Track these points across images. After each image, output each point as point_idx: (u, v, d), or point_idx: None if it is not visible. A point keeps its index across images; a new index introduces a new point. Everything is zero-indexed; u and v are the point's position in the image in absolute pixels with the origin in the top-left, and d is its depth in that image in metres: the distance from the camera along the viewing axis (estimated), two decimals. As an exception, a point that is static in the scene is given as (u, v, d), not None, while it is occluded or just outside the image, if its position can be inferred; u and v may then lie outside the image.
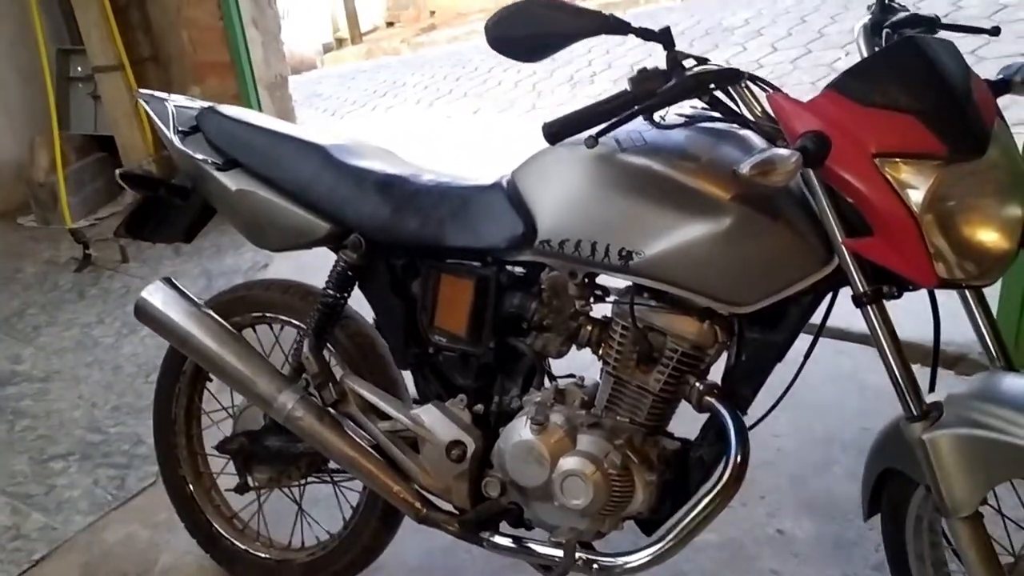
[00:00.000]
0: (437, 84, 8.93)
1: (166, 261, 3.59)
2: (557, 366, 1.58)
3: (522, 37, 1.23)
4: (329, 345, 1.71)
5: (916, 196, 1.12)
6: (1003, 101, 1.28)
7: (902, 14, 1.43)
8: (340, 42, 16.87)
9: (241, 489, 1.81)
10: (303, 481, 1.83)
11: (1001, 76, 1.29)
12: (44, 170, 3.90)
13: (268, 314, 1.79)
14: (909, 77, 1.16)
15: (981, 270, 1.17)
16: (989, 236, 1.15)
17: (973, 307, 1.32)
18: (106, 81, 3.64)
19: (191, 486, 1.93)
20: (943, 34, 1.40)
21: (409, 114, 8.10)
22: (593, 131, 1.24)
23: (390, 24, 17.58)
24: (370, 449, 1.59)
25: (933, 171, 1.12)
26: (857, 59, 1.31)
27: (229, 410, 1.88)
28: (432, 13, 16.61)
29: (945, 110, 1.13)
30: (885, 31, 1.40)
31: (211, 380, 1.90)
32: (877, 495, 1.41)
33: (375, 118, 8.38)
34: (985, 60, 5.05)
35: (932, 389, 1.32)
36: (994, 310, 2.22)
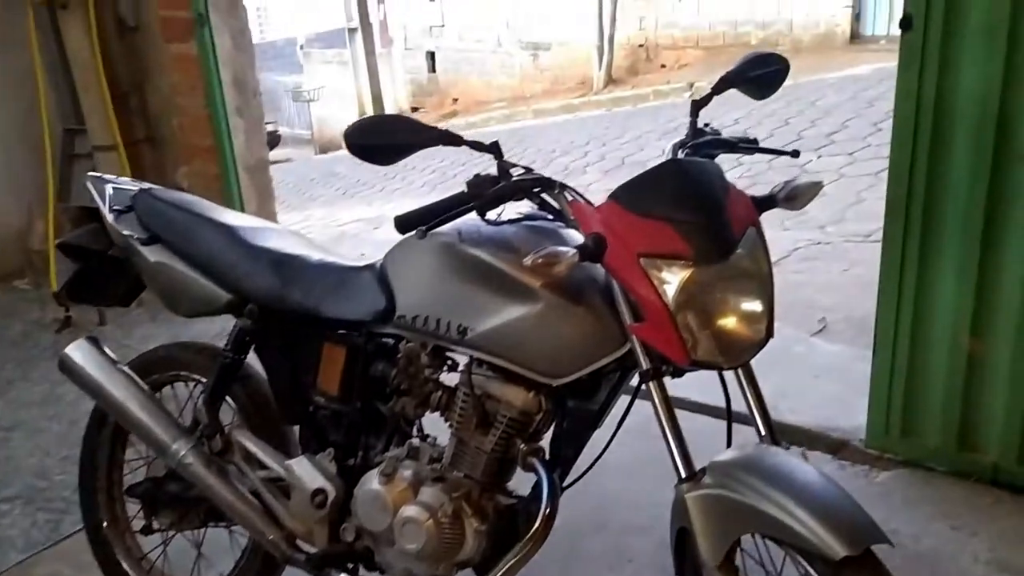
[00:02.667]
0: (445, 169, 9.32)
1: (142, 325, 3.86)
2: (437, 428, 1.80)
3: (376, 146, 1.49)
4: (230, 400, 1.94)
5: (670, 291, 1.35)
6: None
7: (708, 137, 1.68)
8: (365, 125, 17.51)
9: (146, 531, 2.03)
10: (203, 526, 2.03)
11: (769, 192, 1.53)
12: (40, 237, 4.22)
13: (182, 372, 2.03)
14: (667, 192, 1.40)
15: (728, 356, 1.39)
16: (733, 327, 1.37)
17: (744, 385, 1.53)
18: (103, 159, 3.99)
19: (107, 529, 2.14)
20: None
21: (413, 197, 8.45)
22: (423, 227, 1.49)
23: (414, 109, 18.24)
24: (249, 495, 1.81)
25: (683, 271, 1.35)
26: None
27: (145, 459, 2.10)
28: (455, 100, 17.26)
29: (695, 220, 1.37)
30: (686, 151, 1.65)
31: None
32: (681, 553, 1.60)
33: (380, 200, 8.74)
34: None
35: (728, 446, 1.52)
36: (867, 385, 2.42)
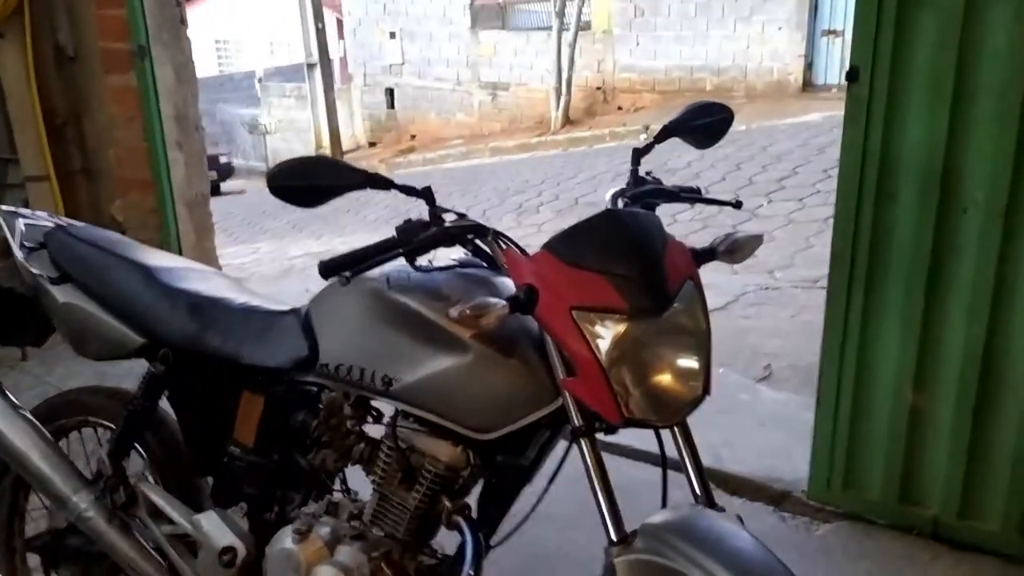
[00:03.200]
0: (397, 205, 9.26)
1: (61, 363, 3.67)
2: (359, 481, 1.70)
3: (299, 187, 1.40)
4: (141, 449, 1.82)
5: (604, 345, 1.28)
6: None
7: (649, 186, 1.63)
8: (321, 158, 17.47)
9: (47, 586, 1.89)
10: (107, 580, 1.90)
11: (710, 245, 1.48)
12: (-31, 268, 4.07)
13: (91, 418, 1.91)
14: (602, 243, 1.34)
15: (663, 413, 1.32)
16: (668, 383, 1.31)
17: (680, 444, 1.46)
18: (35, 190, 3.86)
19: (6, 581, 2.01)
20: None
21: (364, 231, 8.37)
22: (347, 272, 1.42)
23: (372, 144, 18.24)
24: (153, 552, 1.69)
25: (616, 325, 1.28)
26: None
27: (48, 509, 1.96)
28: (412, 136, 17.29)
29: (630, 273, 1.30)
30: (625, 200, 1.60)
31: (37, 479, 2.00)
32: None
33: (330, 233, 8.64)
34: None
35: (663, 506, 1.45)
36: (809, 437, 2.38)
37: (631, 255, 1.33)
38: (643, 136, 12.10)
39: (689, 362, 1.32)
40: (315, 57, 18.11)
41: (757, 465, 2.67)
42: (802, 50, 12.84)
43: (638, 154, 1.65)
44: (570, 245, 1.35)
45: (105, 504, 1.72)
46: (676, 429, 1.45)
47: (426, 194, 1.44)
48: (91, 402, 1.92)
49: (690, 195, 1.65)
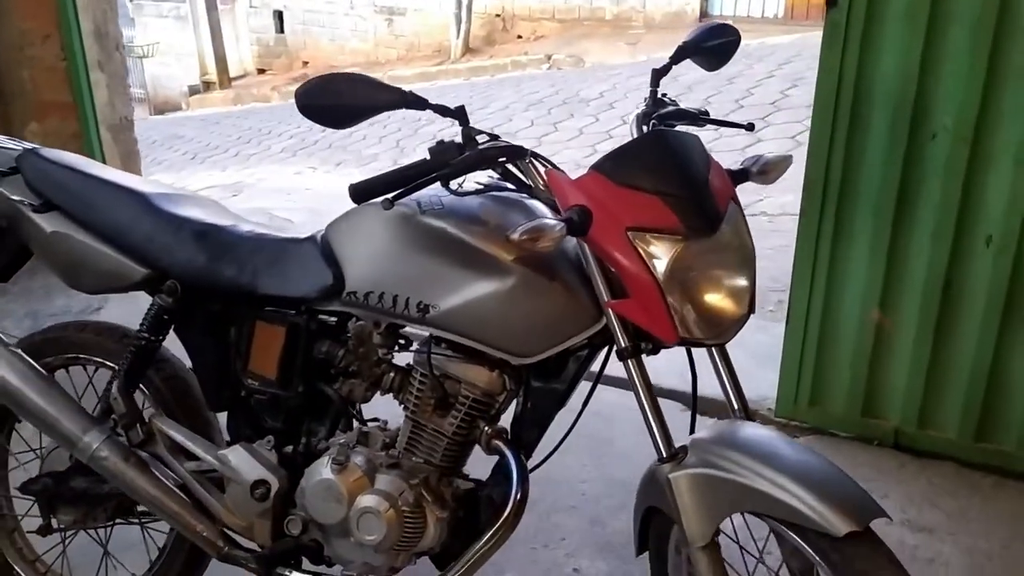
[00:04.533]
0: (303, 135, 8.95)
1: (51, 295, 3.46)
2: (369, 410, 1.69)
3: (328, 106, 1.35)
4: (143, 387, 1.75)
5: (660, 266, 1.30)
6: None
7: (670, 107, 1.64)
8: (208, 85, 16.60)
9: (44, 531, 1.80)
10: (110, 523, 1.84)
11: (741, 166, 1.51)
12: None
13: (81, 355, 1.81)
14: (655, 164, 1.35)
15: (716, 331, 1.36)
16: (721, 302, 1.34)
17: (718, 363, 1.51)
18: (-64, 114, 3.55)
19: (-6, 528, 1.91)
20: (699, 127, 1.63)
21: (272, 162, 8.08)
22: (390, 195, 1.38)
23: (261, 71, 17.44)
24: (175, 489, 1.64)
25: (674, 245, 1.30)
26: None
27: (37, 452, 1.87)
28: (305, 63, 16.62)
29: (684, 194, 1.32)
30: (652, 121, 1.61)
31: (20, 421, 1.89)
32: (645, 532, 1.57)
33: (235, 165, 8.31)
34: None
35: (692, 432, 1.50)
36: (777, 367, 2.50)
37: (683, 176, 1.35)
38: (545, 66, 12.06)
39: (740, 280, 1.36)
40: (196, -26, 17.04)
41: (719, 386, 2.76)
42: (699, -20, 12.95)
43: (657, 75, 1.67)
44: (621, 166, 1.36)
45: (119, 443, 1.64)
46: (715, 349, 1.50)
47: (460, 114, 1.42)
48: (80, 339, 1.81)
49: (706, 118, 1.68)
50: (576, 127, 7.29)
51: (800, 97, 6.74)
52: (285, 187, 6.56)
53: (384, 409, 1.66)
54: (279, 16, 17.17)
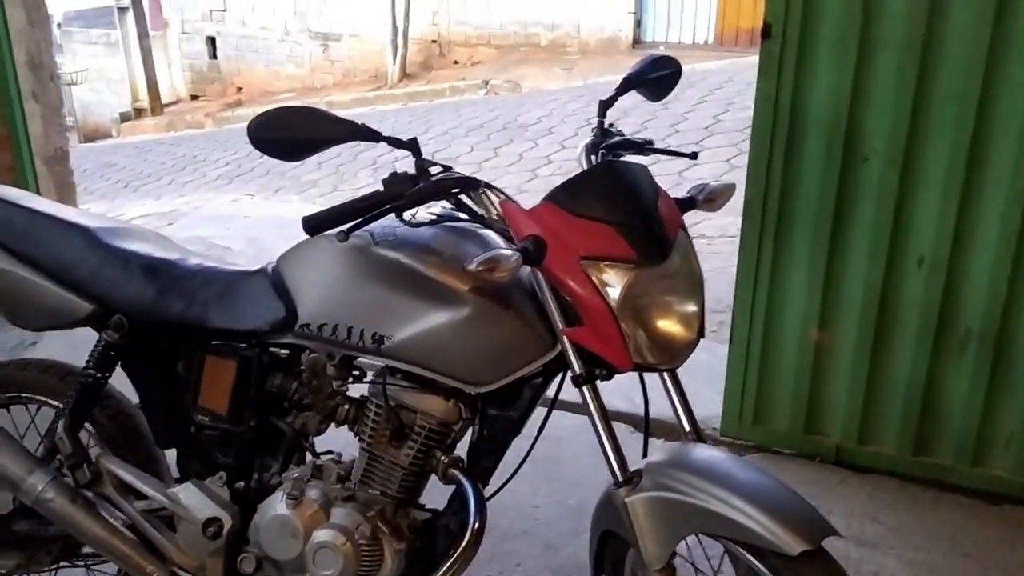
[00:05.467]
0: (240, 161, 8.83)
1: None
2: (322, 443, 1.67)
3: (281, 139, 1.35)
4: (89, 425, 1.71)
5: (613, 293, 1.33)
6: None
7: (617, 138, 1.68)
8: (139, 112, 16.30)
9: (-16, 576, 1.75)
10: (55, 566, 1.78)
11: (688, 195, 1.56)
12: None
13: (23, 394, 1.77)
14: (607, 194, 1.39)
15: (668, 356, 1.39)
16: (673, 327, 1.38)
17: (669, 386, 1.55)
18: None
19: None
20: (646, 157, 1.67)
21: (208, 190, 7.96)
22: (345, 227, 1.39)
23: (194, 97, 17.19)
24: (124, 530, 1.60)
25: (626, 273, 1.34)
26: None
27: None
28: (239, 89, 16.44)
29: (635, 223, 1.36)
30: (601, 151, 1.64)
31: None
32: (601, 556, 1.59)
33: (170, 193, 8.16)
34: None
35: (645, 455, 1.52)
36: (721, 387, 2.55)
37: (634, 205, 1.39)
38: (483, 92, 12.14)
39: (690, 306, 1.40)
40: (126, 0, 16.77)
41: (664, 405, 2.81)
42: (632, 7, 13.19)
43: (604, 106, 1.71)
44: (574, 197, 1.39)
45: (66, 483, 1.60)
46: (665, 373, 1.53)
47: (412, 146, 1.43)
48: (22, 377, 1.77)
49: (652, 148, 1.72)
50: (516, 152, 7.35)
51: (732, 121, 6.92)
52: (223, 215, 6.46)
53: (336, 441, 1.65)
54: (212, 42, 16.99)
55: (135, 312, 1.62)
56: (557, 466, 2.53)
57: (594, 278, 1.34)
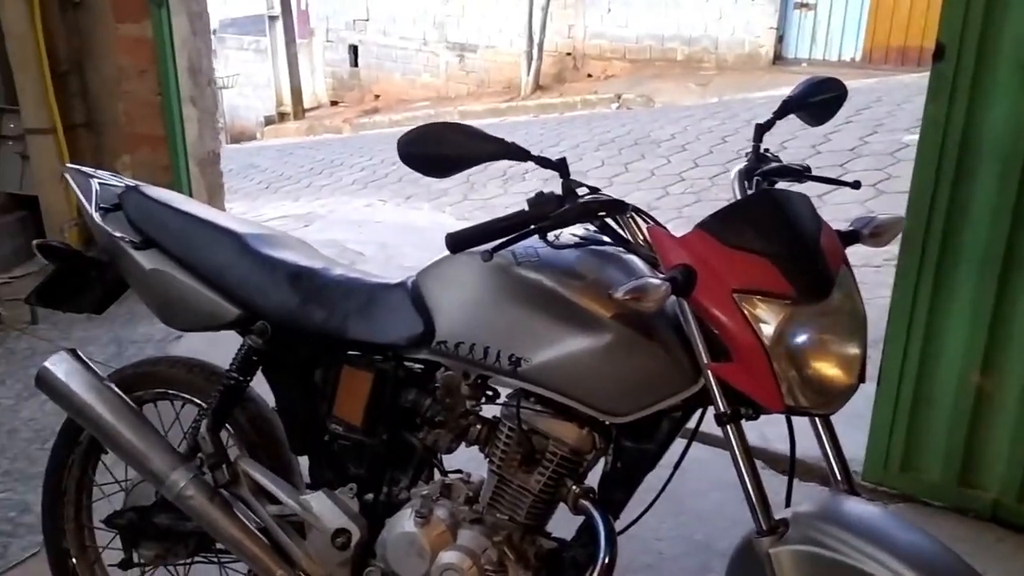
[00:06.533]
0: (375, 167, 9.07)
1: (77, 326, 3.55)
2: (450, 461, 1.66)
3: (430, 156, 1.34)
4: (228, 426, 1.75)
5: (768, 330, 1.25)
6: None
7: (773, 164, 1.59)
8: (283, 116, 17.04)
9: (125, 565, 1.81)
10: (189, 560, 1.83)
11: (852, 227, 1.45)
12: (-40, 226, 3.88)
13: (171, 391, 1.82)
14: (765, 224, 1.30)
15: (823, 400, 1.30)
16: (831, 371, 1.28)
17: (820, 431, 1.45)
18: (36, 143, 3.66)
19: (74, 559, 1.92)
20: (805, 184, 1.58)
21: (343, 194, 8.19)
22: (490, 246, 1.36)
23: (334, 103, 17.84)
24: (257, 532, 1.63)
25: (782, 309, 1.25)
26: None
27: (122, 484, 1.89)
28: (376, 96, 16.95)
29: (795, 256, 1.27)
30: (756, 178, 1.56)
31: (106, 453, 1.91)
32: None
33: (308, 195, 8.45)
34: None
35: (788, 504, 1.43)
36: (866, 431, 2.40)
37: (793, 237, 1.30)
38: (615, 106, 12.06)
39: (851, 348, 1.29)
40: (276, 8, 17.57)
41: (805, 445, 2.67)
42: (774, 22, 12.83)
43: (761, 130, 1.62)
44: (729, 226, 1.31)
45: (205, 482, 1.64)
46: (818, 417, 1.43)
47: (561, 167, 1.39)
48: (171, 374, 1.82)
49: (811, 176, 1.62)
50: (647, 168, 7.24)
51: (880, 144, 6.60)
52: (356, 219, 6.63)
53: (462, 460, 1.63)
54: (354, 51, 17.58)
55: (278, 319, 1.64)
56: (683, 499, 2.43)
57: (747, 313, 1.26)
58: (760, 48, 13.04)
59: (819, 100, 1.63)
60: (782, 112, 1.63)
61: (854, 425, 2.55)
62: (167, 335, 3.41)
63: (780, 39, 13.12)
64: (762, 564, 1.31)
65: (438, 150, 1.33)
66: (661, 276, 1.28)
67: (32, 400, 3.03)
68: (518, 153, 1.36)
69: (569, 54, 14.77)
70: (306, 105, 17.75)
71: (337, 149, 11.18)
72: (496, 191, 7.32)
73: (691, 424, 1.48)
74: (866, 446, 2.49)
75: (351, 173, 9.29)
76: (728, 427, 1.32)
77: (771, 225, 1.31)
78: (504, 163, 7.59)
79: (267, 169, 10.61)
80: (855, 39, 12.07)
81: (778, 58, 13.00)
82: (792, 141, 7.04)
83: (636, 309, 1.28)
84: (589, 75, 14.49)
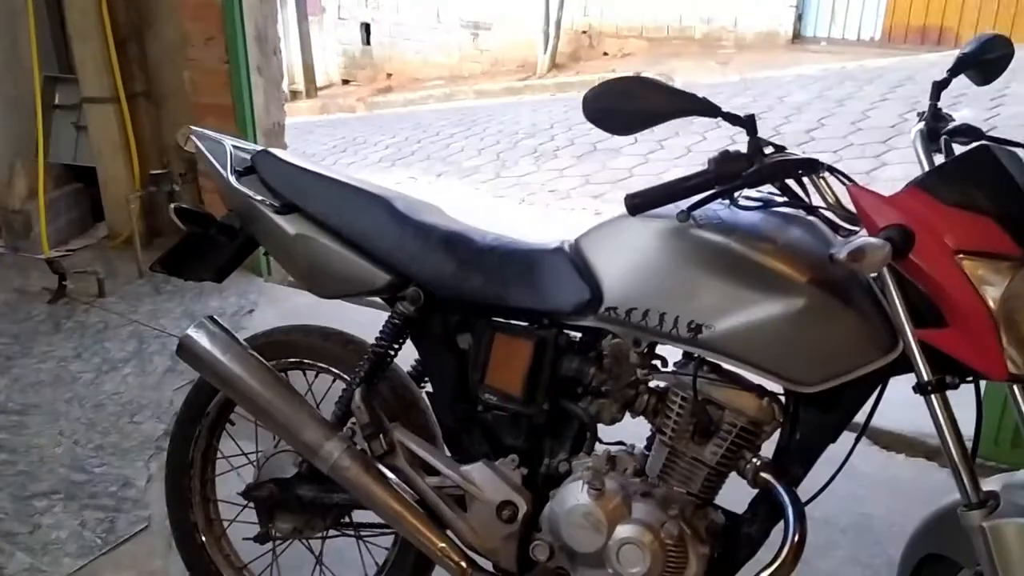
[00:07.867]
0: (399, 145, 8.96)
1: (146, 299, 3.49)
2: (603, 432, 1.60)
3: (618, 111, 1.28)
4: (372, 397, 1.69)
5: (993, 293, 1.19)
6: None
7: (954, 123, 1.53)
8: (294, 94, 16.88)
9: (262, 539, 1.76)
10: (325, 533, 1.78)
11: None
12: (21, 197, 3.78)
13: (307, 360, 1.77)
14: (986, 182, 1.24)
15: (1048, 368, 1.24)
16: (1058, 336, 1.23)
17: (1021, 402, 1.39)
18: (96, 112, 3.58)
19: (202, 534, 1.87)
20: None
21: (370, 172, 8.10)
22: (683, 205, 1.31)
23: (346, 82, 17.69)
24: (415, 504, 1.57)
25: (1009, 271, 1.19)
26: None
27: (249, 456, 1.83)
28: (389, 75, 16.79)
29: (1020, 215, 1.22)
30: (943, 138, 1.50)
31: (232, 424, 1.86)
32: (915, 578, 1.46)
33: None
34: None
35: (973, 482, 1.37)
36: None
37: (1018, 195, 1.24)
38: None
39: None
40: (287, -14, 17.36)
41: (908, 420, 2.62)
42: (793, 1, 12.72)
43: (938, 87, 1.56)
44: (948, 184, 1.26)
45: (360, 453, 1.59)
46: (1019, 387, 1.38)
47: (749, 124, 1.33)
48: (306, 343, 1.77)
49: (993, 137, 1.55)
50: (683, 145, 7.15)
51: (921, 121, 6.52)
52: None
53: (614, 431, 1.57)
54: (366, 28, 17.41)
55: (433, 285, 1.58)
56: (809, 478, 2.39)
57: (971, 275, 1.20)
58: (779, 27, 12.94)
59: (991, 59, 1.57)
60: (956, 69, 1.57)
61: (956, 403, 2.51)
62: (240, 309, 3.35)
63: (799, 18, 13.01)
64: (965, 536, 1.26)
65: (626, 104, 1.28)
66: (879, 237, 1.22)
67: (113, 373, 2.98)
68: (708, 108, 1.32)
69: (585, 32, 14.64)
70: (318, 84, 17.59)
71: (356, 127, 11.05)
72: (529, 167, 7.23)
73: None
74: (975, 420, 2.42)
75: (376, 151, 9.18)
76: (933, 397, 1.26)
77: (992, 183, 1.25)
78: (531, 142, 7.44)
79: (289, 147, 10.49)
80: (875, 18, 11.95)
81: (797, 36, 12.90)
82: (829, 119, 6.98)
83: (856, 271, 1.22)
84: (605, 53, 14.37)
